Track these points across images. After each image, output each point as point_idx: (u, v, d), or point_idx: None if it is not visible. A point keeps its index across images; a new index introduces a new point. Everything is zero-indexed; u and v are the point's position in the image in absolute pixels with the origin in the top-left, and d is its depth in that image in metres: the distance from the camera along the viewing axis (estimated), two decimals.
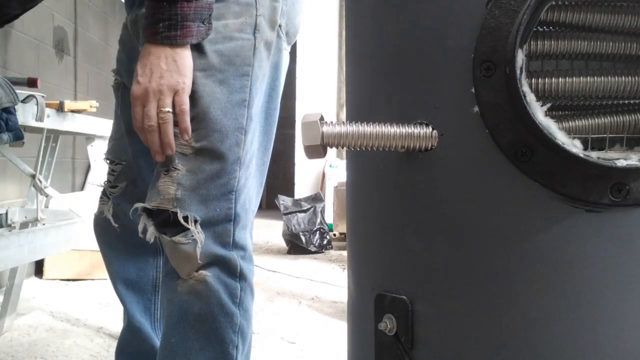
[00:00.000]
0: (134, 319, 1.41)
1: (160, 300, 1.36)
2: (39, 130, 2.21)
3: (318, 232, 4.92)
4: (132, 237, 1.33)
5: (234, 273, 1.16)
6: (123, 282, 1.42)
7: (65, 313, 2.72)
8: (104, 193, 1.40)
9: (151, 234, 1.11)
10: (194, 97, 1.09)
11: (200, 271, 1.12)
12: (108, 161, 1.38)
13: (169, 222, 1.10)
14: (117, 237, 1.38)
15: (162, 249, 1.19)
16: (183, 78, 1.06)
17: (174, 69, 1.05)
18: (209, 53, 1.09)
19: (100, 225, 1.41)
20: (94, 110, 2.30)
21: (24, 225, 2.36)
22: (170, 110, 1.06)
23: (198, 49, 1.08)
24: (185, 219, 1.09)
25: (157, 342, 1.41)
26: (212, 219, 1.12)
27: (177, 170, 1.10)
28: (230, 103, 1.11)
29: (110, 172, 1.37)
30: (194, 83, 1.08)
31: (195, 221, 1.10)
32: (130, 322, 1.42)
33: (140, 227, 1.13)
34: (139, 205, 1.11)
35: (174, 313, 1.15)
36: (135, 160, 1.33)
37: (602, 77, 0.58)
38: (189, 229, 1.09)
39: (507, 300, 0.59)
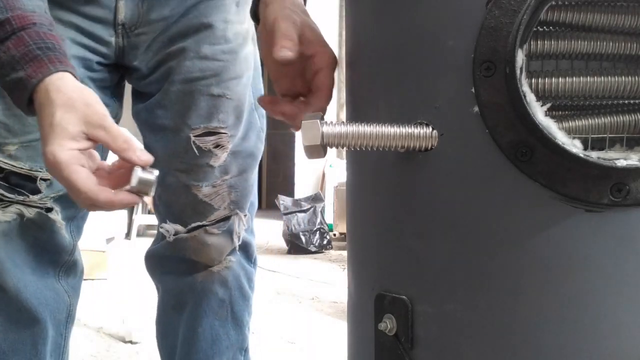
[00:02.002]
0: None
1: (162, 299, 1.29)
2: None
3: (318, 232, 4.93)
4: (50, 253, 1.11)
5: (251, 258, 1.26)
6: (30, 317, 1.09)
7: None
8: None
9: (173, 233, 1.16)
10: None
11: (226, 257, 1.19)
12: (42, 169, 1.05)
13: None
14: (26, 253, 1.08)
15: (172, 246, 1.18)
16: None
17: None
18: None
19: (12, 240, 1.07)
20: None
21: None
22: None
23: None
24: (238, 214, 1.18)
25: None
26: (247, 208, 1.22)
27: (230, 174, 1.16)
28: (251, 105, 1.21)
29: (39, 182, 1.05)
30: None
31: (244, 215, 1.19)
32: None
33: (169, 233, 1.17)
34: (195, 224, 1.15)
35: (197, 303, 1.20)
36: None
37: (602, 77, 0.58)
38: (221, 220, 1.16)
39: (507, 300, 0.59)
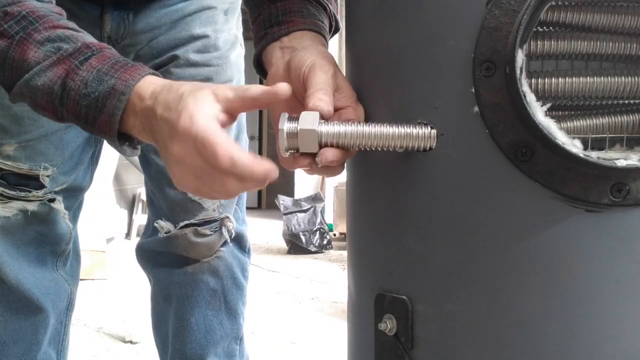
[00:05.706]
0: (36, 354, 1.13)
1: (154, 291, 1.30)
2: None
3: (318, 232, 4.93)
4: (51, 244, 1.14)
5: (244, 248, 1.27)
6: (32, 307, 1.11)
7: None
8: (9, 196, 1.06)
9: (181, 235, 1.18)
10: None
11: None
12: (41, 167, 1.08)
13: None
14: (26, 246, 1.11)
15: (170, 242, 1.21)
16: None
17: None
18: None
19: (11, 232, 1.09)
20: None
21: None
22: None
23: None
24: (228, 218, 1.20)
25: None
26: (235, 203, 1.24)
27: None
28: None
29: (43, 178, 1.08)
30: None
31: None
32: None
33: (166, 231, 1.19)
34: (184, 223, 1.18)
35: (188, 293, 1.21)
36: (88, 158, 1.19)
37: (602, 77, 0.58)
38: (209, 222, 1.18)
39: (507, 300, 0.59)
